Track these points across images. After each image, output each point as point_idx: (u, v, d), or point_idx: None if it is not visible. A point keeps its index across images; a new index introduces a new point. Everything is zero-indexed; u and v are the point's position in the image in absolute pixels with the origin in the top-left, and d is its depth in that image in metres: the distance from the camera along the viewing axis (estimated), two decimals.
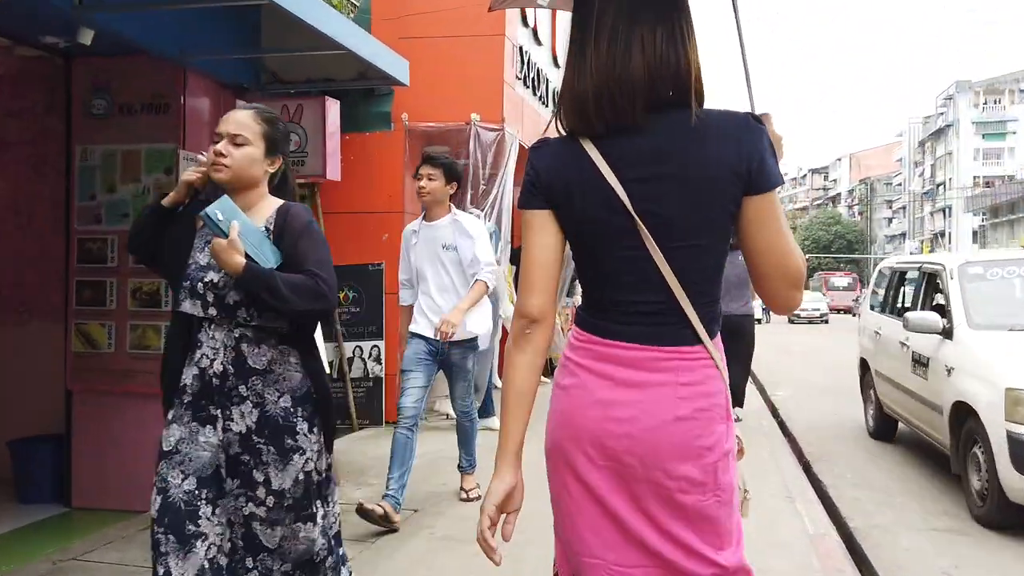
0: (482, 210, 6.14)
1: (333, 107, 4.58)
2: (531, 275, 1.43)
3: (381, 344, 6.36)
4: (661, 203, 1.33)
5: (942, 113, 68.19)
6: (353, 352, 6.40)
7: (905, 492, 5.21)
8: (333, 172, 4.65)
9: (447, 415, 6.75)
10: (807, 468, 5.75)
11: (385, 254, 6.44)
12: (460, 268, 4.04)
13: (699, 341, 1.35)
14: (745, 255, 1.39)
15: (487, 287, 4.05)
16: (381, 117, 6.43)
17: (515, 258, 9.50)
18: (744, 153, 1.32)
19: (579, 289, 9.85)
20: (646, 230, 1.32)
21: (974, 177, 62.52)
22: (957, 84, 65.12)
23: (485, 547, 1.38)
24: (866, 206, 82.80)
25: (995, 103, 64.37)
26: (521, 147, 6.69)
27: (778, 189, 1.37)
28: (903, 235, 77.50)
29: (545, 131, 1.51)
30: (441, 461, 5.09)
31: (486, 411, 6.24)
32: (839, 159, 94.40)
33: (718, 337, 1.41)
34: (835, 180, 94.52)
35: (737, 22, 1.73)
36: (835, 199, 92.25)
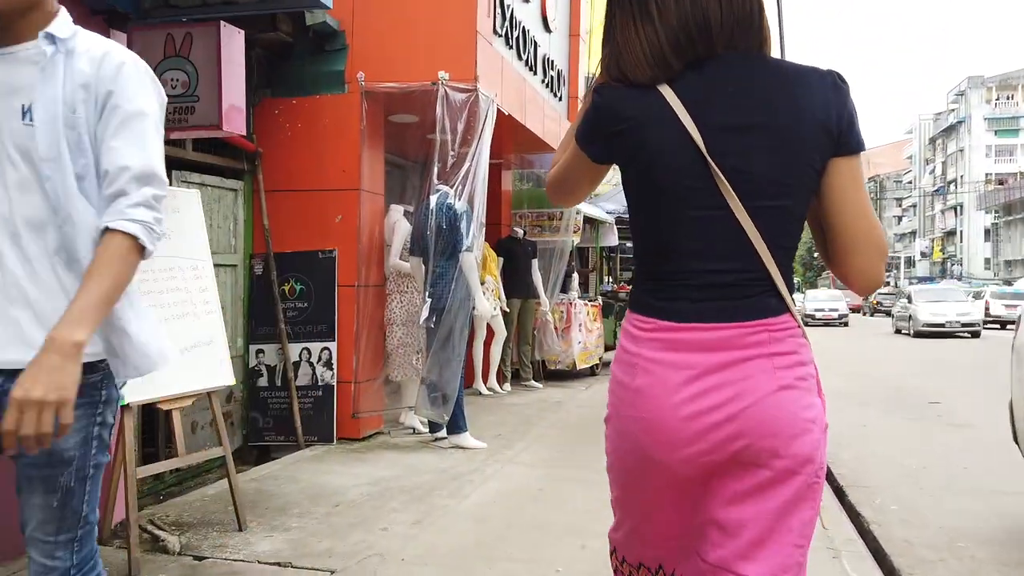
0: (451, 186, 5.16)
1: (233, 37, 3.58)
2: (563, 180, 1.47)
3: (333, 346, 5.37)
4: (746, 156, 1.22)
5: (953, 109, 67.77)
6: (300, 355, 5.41)
7: (973, 535, 4.19)
8: (235, 123, 3.65)
9: (414, 429, 5.75)
10: (839, 493, 4.75)
11: (338, 239, 5.45)
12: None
13: (786, 309, 1.26)
14: (830, 225, 1.28)
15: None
16: (333, 77, 5.45)
17: (502, 249, 8.52)
18: (834, 110, 1.24)
19: (575, 284, 8.86)
20: (727, 184, 1.21)
21: (986, 174, 62.15)
22: (969, 79, 64.72)
23: None
24: (876, 204, 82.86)
25: (1008, 99, 63.83)
26: (500, 113, 5.69)
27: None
28: (913, 233, 77.43)
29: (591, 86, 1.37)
30: (389, 495, 4.09)
31: (456, 426, 5.25)
32: None
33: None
34: None
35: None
36: None
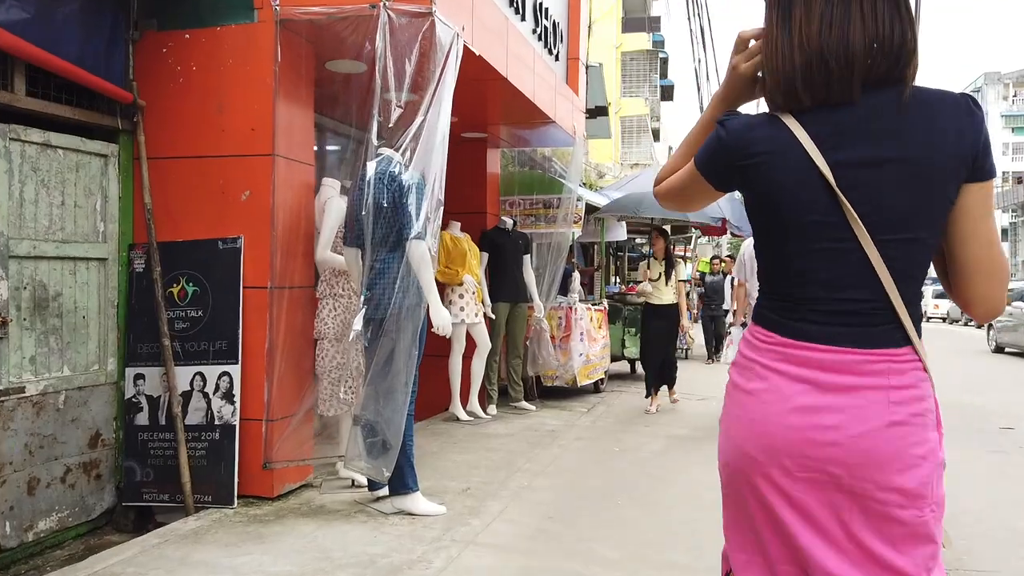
0: (397, 149, 3.69)
1: None
2: (673, 186, 1.46)
3: (235, 371, 3.91)
4: (875, 189, 1.22)
5: None
6: (191, 383, 3.95)
7: None
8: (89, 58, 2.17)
9: (352, 481, 4.27)
10: None
11: (246, 222, 3.98)
12: None
13: (909, 342, 1.25)
14: (955, 254, 1.27)
15: None
16: (238, 2, 3.99)
17: (488, 243, 7.07)
18: (969, 138, 1.22)
19: (575, 286, 7.37)
20: (857, 219, 1.21)
21: (1003, 172, 60.96)
22: (985, 76, 63.65)
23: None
24: None
25: None
26: (471, 55, 4.23)
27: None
28: None
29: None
30: None
31: (403, 484, 3.76)
32: None
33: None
34: None
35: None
36: None
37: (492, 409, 6.83)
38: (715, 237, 15.73)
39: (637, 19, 33.66)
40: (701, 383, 9.08)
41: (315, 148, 4.51)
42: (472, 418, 6.47)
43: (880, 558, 1.22)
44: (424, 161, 3.69)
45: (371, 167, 3.67)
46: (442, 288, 6.50)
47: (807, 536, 1.26)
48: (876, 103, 1.23)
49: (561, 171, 7.59)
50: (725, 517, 1.40)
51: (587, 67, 23.03)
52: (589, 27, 34.35)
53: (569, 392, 7.87)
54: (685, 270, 15.37)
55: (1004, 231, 59.31)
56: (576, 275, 7.90)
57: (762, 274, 1.36)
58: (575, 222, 7.48)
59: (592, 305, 8.53)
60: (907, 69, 1.24)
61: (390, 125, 3.73)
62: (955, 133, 1.21)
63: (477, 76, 4.78)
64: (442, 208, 3.71)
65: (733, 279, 10.74)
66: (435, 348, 6.70)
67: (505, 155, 7.67)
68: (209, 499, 3.84)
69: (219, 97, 3.98)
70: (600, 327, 8.63)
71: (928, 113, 1.21)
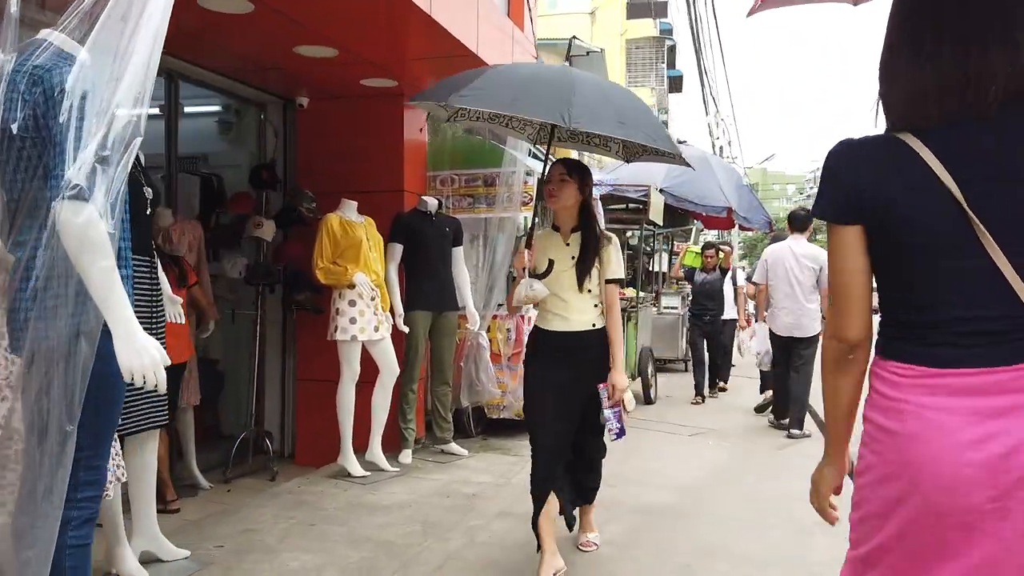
0: (62, 28, 1.89)
1: None
2: (849, 301, 1.32)
3: None
4: (1005, 206, 1.19)
5: None
6: None
7: None
8: None
9: None
10: None
11: None
12: None
13: None
14: None
15: None
16: None
17: (403, 231, 5.29)
18: None
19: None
20: (988, 236, 1.18)
21: None
22: None
23: (828, 516, 1.44)
24: None
25: None
26: None
27: None
28: None
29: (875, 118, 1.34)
30: None
31: None
32: None
33: None
34: None
35: None
36: None
37: (405, 456, 5.03)
38: (721, 231, 13.82)
39: (642, 4, 31.70)
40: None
41: None
42: (370, 473, 4.67)
43: None
44: (105, 48, 1.88)
45: (4, 63, 1.88)
46: (328, 292, 4.71)
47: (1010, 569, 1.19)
48: (1010, 121, 1.19)
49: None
50: (863, 550, 1.30)
51: (588, 52, 21.09)
52: (592, 12, 32.46)
53: (521, 426, 6.06)
54: (656, 263, 11.54)
55: None
56: (882, 304, 6.07)
57: (885, 302, 1.32)
58: (524, 203, 5.65)
59: None
60: None
61: None
62: None
63: None
64: (138, 142, 1.88)
65: (734, 278, 8.54)
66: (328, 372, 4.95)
67: (439, 131, 5.86)
68: None
69: None
70: None
71: None
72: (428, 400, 5.43)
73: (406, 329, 5.01)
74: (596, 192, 7.64)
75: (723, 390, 8.60)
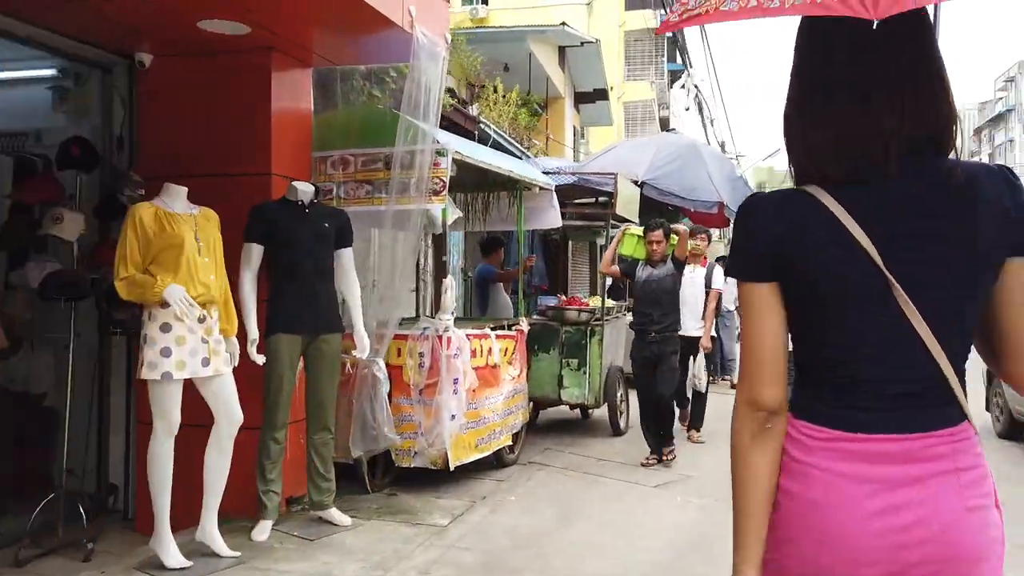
0: None
1: None
2: (764, 364, 1.21)
3: None
4: (920, 263, 1.15)
5: (1001, 98, 63.36)
6: None
7: None
8: None
9: None
10: None
11: None
12: None
13: (965, 417, 1.19)
14: (999, 330, 1.20)
15: None
16: None
17: (260, 228, 4.00)
18: (1012, 210, 1.17)
19: (449, 299, 4.45)
20: (903, 293, 1.15)
21: None
22: (1020, 64, 60.39)
23: None
24: None
25: None
26: None
27: None
28: None
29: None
30: None
31: None
32: None
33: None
34: None
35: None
36: None
37: (261, 532, 3.74)
38: (714, 229, 12.46)
39: None
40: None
41: None
42: (192, 563, 3.39)
43: None
44: None
45: None
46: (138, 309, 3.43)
47: None
48: (915, 176, 1.17)
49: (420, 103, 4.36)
50: None
51: (582, 43, 19.50)
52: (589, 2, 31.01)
53: (439, 477, 4.76)
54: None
55: None
56: (450, 281, 4.76)
57: (800, 360, 1.24)
58: (436, 192, 4.35)
59: (496, 328, 5.43)
60: (948, 144, 1.20)
61: None
62: (997, 206, 1.16)
63: None
64: None
65: (709, 278, 6.35)
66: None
67: (342, 103, 4.56)
68: None
69: None
70: (512, 362, 5.53)
71: (967, 185, 1.16)
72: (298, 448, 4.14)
73: (260, 359, 3.73)
74: (552, 182, 6.38)
75: (697, 442, 6.29)
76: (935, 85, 1.19)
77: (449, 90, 8.03)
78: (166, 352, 3.27)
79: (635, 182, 8.42)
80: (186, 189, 3.51)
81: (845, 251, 1.15)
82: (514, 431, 5.43)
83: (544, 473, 5.22)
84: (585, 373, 6.33)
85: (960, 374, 1.19)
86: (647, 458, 5.56)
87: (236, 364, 3.57)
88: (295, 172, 4.24)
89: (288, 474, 4.06)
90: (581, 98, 23.78)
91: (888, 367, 1.17)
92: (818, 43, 1.22)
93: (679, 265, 5.61)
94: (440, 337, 4.56)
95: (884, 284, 1.15)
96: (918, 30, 1.18)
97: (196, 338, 3.34)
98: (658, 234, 5.63)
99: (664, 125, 31.68)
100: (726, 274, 5.10)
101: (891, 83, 1.17)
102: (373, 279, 4.40)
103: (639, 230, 5.96)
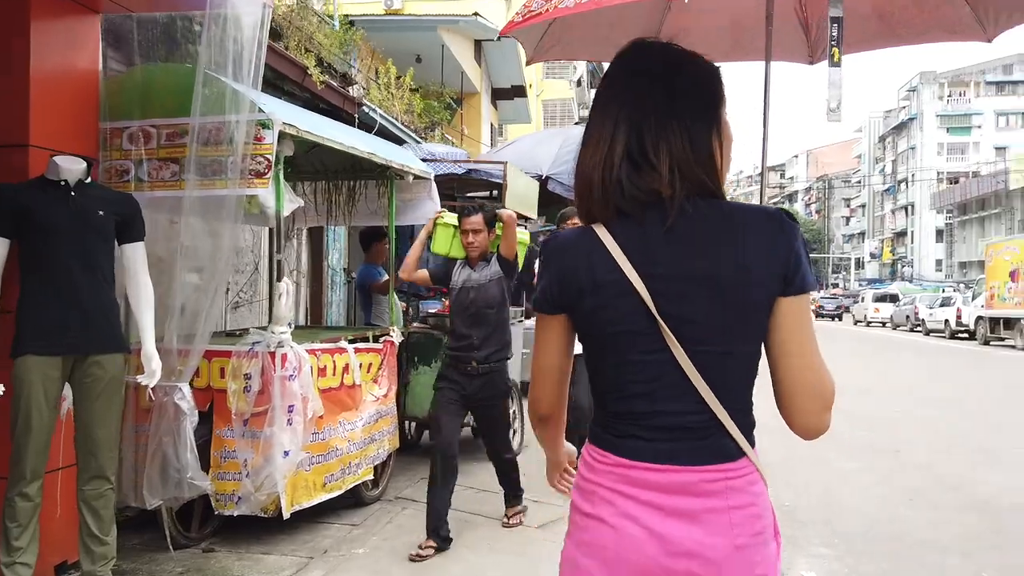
0: None
1: None
2: (544, 383, 1.38)
3: None
4: (687, 302, 1.21)
5: (904, 107, 66.50)
6: None
7: None
8: None
9: None
10: None
11: None
12: None
13: (743, 453, 1.24)
14: (774, 369, 1.27)
15: None
16: None
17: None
18: (781, 253, 1.23)
19: (284, 305, 3.53)
20: (668, 331, 1.21)
21: (938, 173, 60.89)
22: (921, 75, 63.73)
23: (560, 489, 1.56)
24: (824, 204, 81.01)
25: (960, 95, 62.54)
26: None
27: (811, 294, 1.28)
28: (862, 234, 76.35)
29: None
30: None
31: None
32: (796, 156, 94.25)
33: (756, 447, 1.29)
34: (792, 178, 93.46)
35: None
36: (792, 197, 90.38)
37: None
38: None
39: None
40: None
41: None
42: None
43: None
44: None
45: None
46: None
47: None
48: (686, 219, 1.21)
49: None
50: None
51: (499, 37, 18.77)
52: None
53: (274, 525, 3.87)
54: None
55: (939, 232, 58.49)
56: (287, 284, 3.87)
57: (593, 389, 1.34)
58: (260, 175, 3.46)
59: (359, 339, 4.57)
60: (718, 189, 1.24)
61: None
62: (766, 248, 1.21)
63: None
64: None
65: None
66: None
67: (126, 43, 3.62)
68: None
69: None
70: (376, 380, 4.68)
71: (739, 226, 1.21)
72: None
73: None
74: (431, 170, 5.56)
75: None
76: (706, 125, 1.25)
77: (324, 62, 7.10)
78: None
79: (539, 177, 7.75)
80: None
81: (620, 290, 1.21)
82: (377, 462, 4.59)
83: (410, 512, 4.38)
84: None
85: (737, 408, 1.22)
86: (420, 547, 3.72)
87: None
88: (72, 145, 3.28)
89: (58, 534, 3.12)
90: (499, 94, 23.02)
91: (658, 401, 1.23)
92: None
93: (508, 267, 4.07)
94: (272, 354, 3.68)
95: (654, 323, 1.20)
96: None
97: None
98: (474, 220, 4.01)
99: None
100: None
101: (663, 123, 1.23)
102: (167, 282, 3.47)
103: (454, 218, 4.36)
